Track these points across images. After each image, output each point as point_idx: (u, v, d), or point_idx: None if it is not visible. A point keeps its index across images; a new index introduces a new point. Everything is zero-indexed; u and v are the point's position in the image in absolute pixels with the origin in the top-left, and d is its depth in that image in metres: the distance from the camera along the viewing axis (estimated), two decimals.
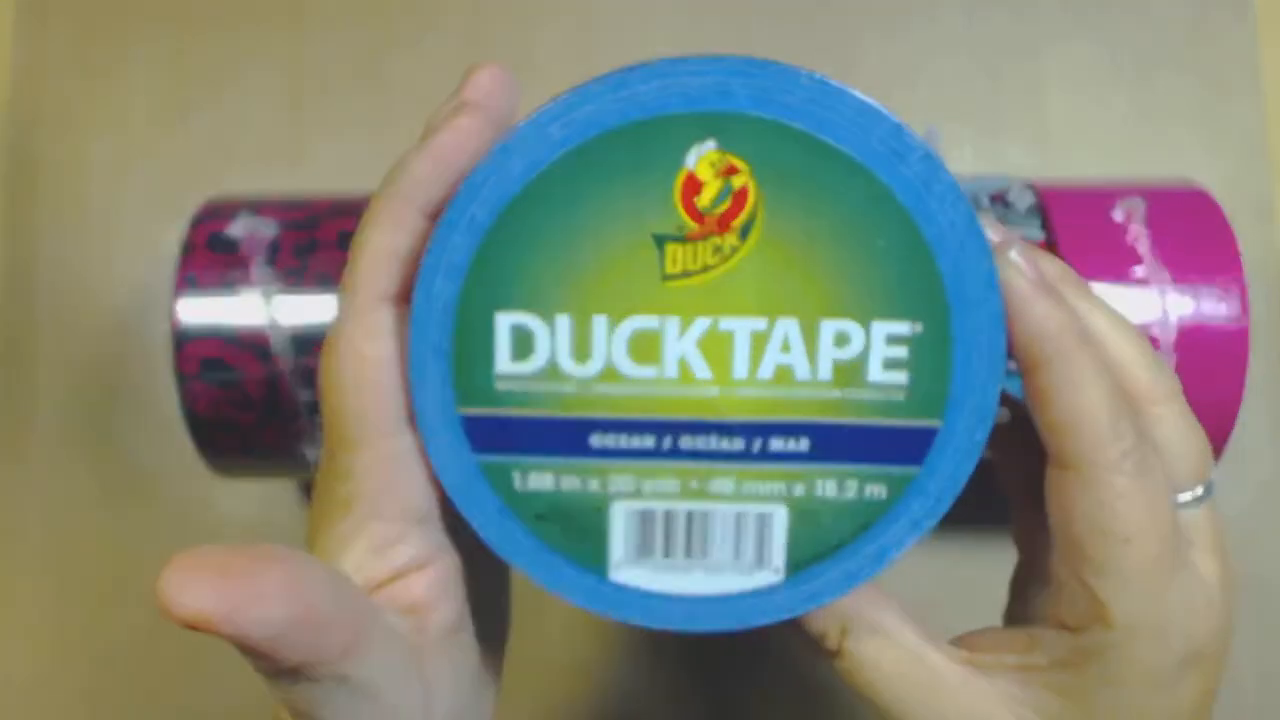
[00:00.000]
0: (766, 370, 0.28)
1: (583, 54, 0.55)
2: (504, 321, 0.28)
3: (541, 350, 0.28)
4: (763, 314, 0.28)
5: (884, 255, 0.27)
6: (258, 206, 0.44)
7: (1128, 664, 0.29)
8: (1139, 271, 0.40)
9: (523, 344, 0.28)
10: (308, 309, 0.42)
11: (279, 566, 0.24)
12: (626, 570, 0.30)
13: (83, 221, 0.55)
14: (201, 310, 0.41)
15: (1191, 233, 0.41)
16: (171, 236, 0.53)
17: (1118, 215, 0.41)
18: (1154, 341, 0.39)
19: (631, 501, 0.29)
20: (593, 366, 0.28)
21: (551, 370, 0.28)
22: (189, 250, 0.42)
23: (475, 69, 0.29)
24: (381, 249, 0.28)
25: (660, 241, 0.27)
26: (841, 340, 0.28)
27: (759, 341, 0.28)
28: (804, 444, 0.29)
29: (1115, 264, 0.40)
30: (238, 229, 0.42)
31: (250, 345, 0.41)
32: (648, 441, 0.29)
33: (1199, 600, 0.30)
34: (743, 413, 0.29)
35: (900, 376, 0.28)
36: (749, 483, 0.29)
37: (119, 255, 0.54)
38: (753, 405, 0.29)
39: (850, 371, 0.28)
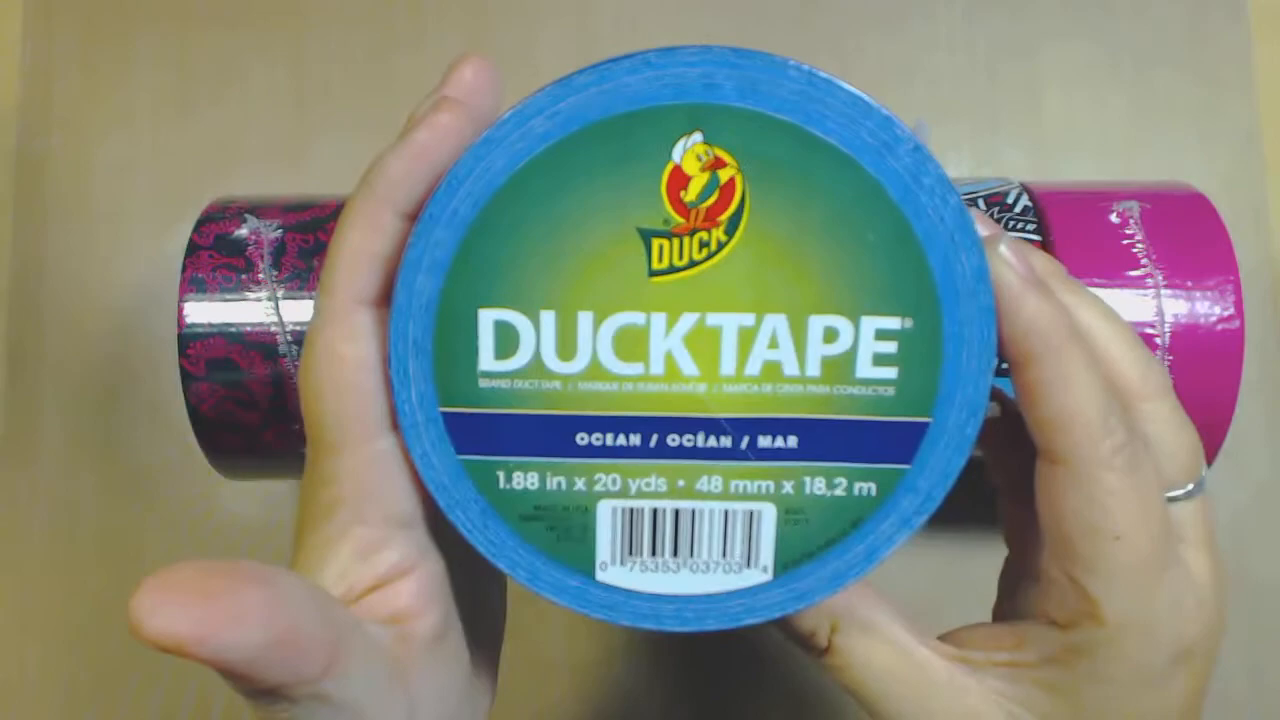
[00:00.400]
0: (754, 367, 0.28)
1: (583, 53, 0.55)
2: (487, 318, 0.28)
3: (526, 347, 0.28)
4: (750, 310, 0.28)
5: (873, 249, 0.27)
6: (263, 208, 0.44)
7: (1117, 661, 0.29)
8: (1134, 273, 0.40)
9: (507, 341, 0.28)
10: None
11: (257, 587, 0.23)
12: (613, 570, 0.29)
13: (88, 222, 0.55)
14: (207, 311, 0.41)
15: (1187, 234, 0.41)
16: (176, 237, 0.53)
17: (1114, 217, 0.41)
18: (1149, 342, 0.39)
19: (618, 500, 0.29)
20: (578, 363, 0.28)
21: (536, 368, 0.28)
22: (195, 251, 0.42)
23: (458, 63, 0.29)
24: (359, 250, 0.28)
25: (646, 236, 0.27)
26: (830, 336, 0.28)
27: (746, 338, 0.28)
28: (792, 441, 0.29)
29: (1111, 265, 0.40)
30: (244, 230, 0.42)
31: (256, 345, 0.41)
32: (634, 439, 0.29)
33: (1189, 598, 0.29)
34: (730, 410, 0.28)
35: (890, 372, 0.28)
36: (737, 481, 0.29)
37: (124, 255, 0.54)
38: (740, 402, 0.28)
39: (839, 367, 0.28)
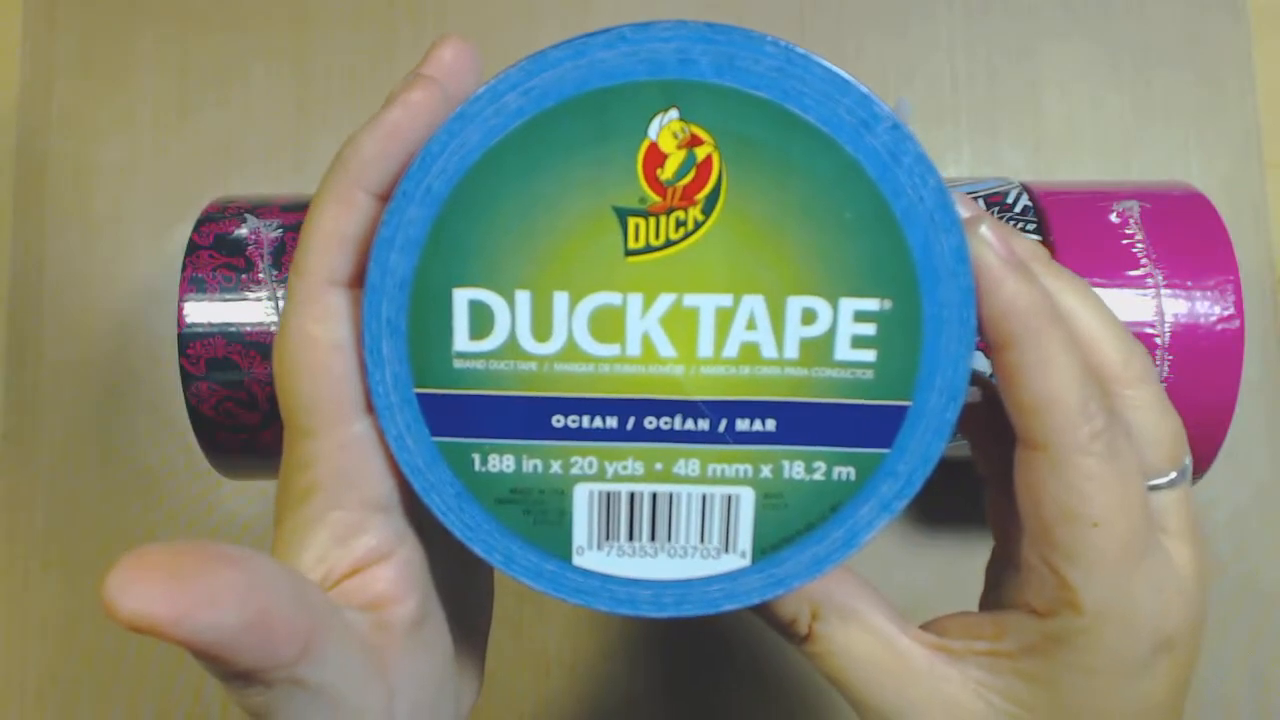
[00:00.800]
0: (732, 348, 0.28)
1: None
2: (462, 298, 0.27)
3: (501, 327, 0.28)
4: (728, 290, 0.27)
5: (852, 229, 0.27)
6: (263, 208, 0.44)
7: (1097, 650, 0.29)
8: (1134, 273, 0.40)
9: (481, 321, 0.27)
10: None
11: (232, 568, 0.23)
12: (590, 555, 0.29)
13: (89, 222, 0.55)
14: (207, 311, 0.41)
15: (1187, 234, 0.40)
16: (177, 237, 0.53)
17: (1114, 217, 0.41)
18: (1149, 342, 0.39)
19: (595, 484, 0.29)
20: (554, 344, 0.28)
21: (511, 348, 0.28)
22: (195, 251, 0.42)
23: (438, 43, 0.28)
24: (331, 231, 0.27)
25: (622, 215, 0.27)
26: (809, 317, 0.27)
27: (724, 319, 0.27)
28: (771, 424, 0.28)
29: (1111, 265, 0.40)
30: (244, 230, 0.42)
31: (256, 345, 0.41)
32: (611, 422, 0.28)
33: (1170, 587, 0.29)
34: (708, 392, 0.28)
35: (869, 354, 0.28)
36: (715, 464, 0.29)
37: (125, 255, 0.55)
38: (718, 384, 0.28)
39: (818, 349, 0.28)
